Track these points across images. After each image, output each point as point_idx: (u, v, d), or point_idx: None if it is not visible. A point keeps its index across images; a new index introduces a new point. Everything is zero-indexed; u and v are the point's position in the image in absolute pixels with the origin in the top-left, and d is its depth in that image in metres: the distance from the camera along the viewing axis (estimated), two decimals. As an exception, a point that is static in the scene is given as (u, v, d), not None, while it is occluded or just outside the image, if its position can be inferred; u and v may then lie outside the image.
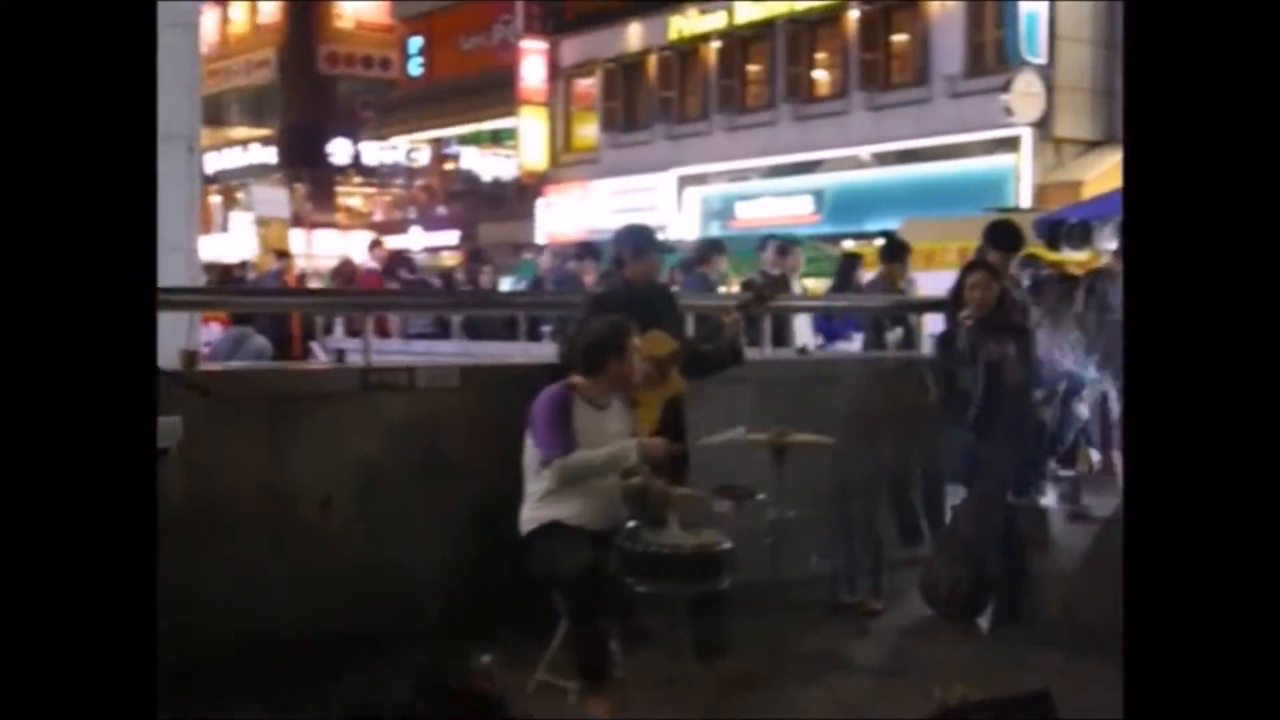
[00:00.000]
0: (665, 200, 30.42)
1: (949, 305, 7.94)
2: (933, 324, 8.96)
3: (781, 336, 9.66)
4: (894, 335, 9.38)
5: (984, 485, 6.71)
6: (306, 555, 6.16)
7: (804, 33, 27.95)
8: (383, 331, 13.83)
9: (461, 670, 5.16)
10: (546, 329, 11.95)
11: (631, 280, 6.69)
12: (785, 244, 11.73)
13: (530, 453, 5.73)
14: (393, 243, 37.41)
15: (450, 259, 30.66)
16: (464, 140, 40.56)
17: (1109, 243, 12.41)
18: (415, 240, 37.34)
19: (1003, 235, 8.32)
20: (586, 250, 13.12)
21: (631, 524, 5.40)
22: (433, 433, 6.68)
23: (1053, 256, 12.83)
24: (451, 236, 38.30)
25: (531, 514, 5.72)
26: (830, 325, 10.96)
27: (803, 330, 10.56)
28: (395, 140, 41.99)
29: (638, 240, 6.83)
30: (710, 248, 10.72)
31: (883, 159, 25.61)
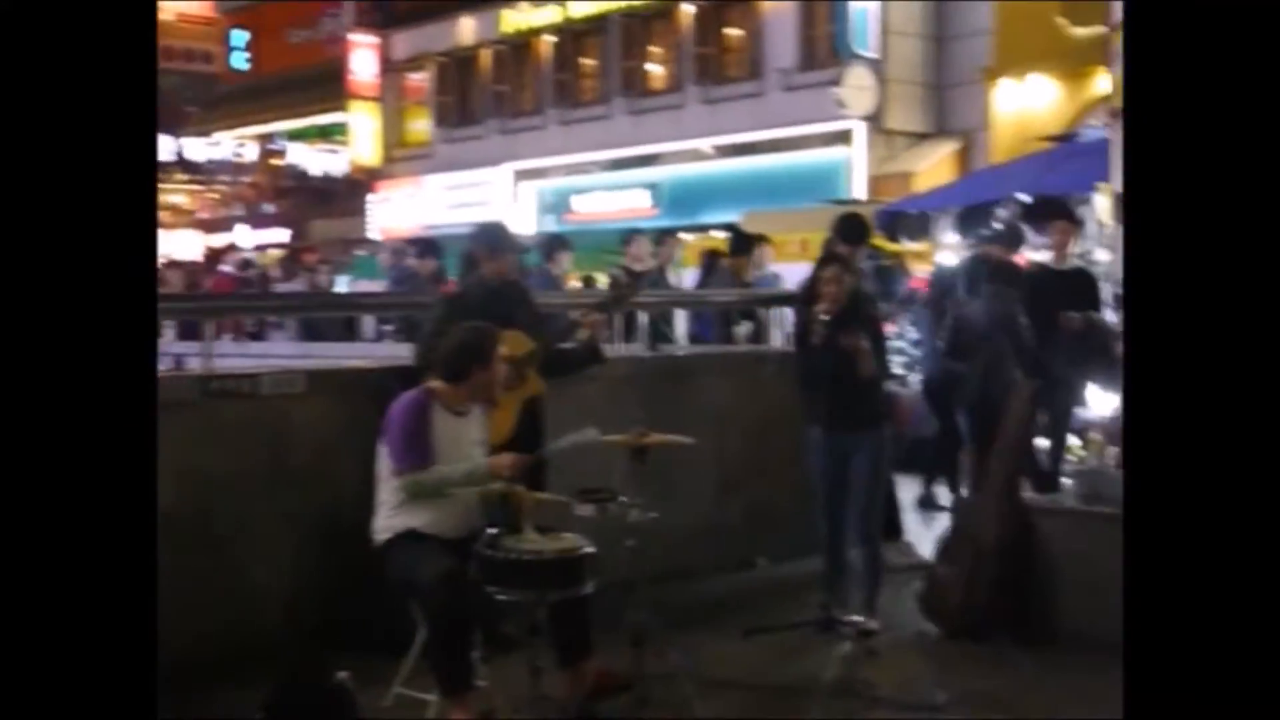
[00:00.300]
0: (500, 195, 30.18)
1: (803, 300, 7.92)
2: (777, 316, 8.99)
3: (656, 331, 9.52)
4: (743, 329, 9.36)
5: (855, 479, 6.67)
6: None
7: (638, 27, 27.94)
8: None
9: (317, 686, 4.96)
10: (388, 329, 11.70)
11: (488, 279, 6.52)
12: (661, 234, 11.58)
13: (384, 461, 5.53)
14: (219, 240, 36.86)
15: (279, 257, 29.97)
16: (292, 136, 39.73)
17: (945, 234, 12.58)
18: (243, 238, 36.47)
19: (851, 228, 8.33)
20: (427, 247, 12.85)
21: (492, 530, 5.23)
22: (278, 441, 6.44)
23: (892, 247, 12.98)
24: (281, 234, 37.48)
25: (386, 523, 5.52)
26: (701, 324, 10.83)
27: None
28: (220, 136, 40.91)
29: (493, 238, 6.67)
30: (554, 243, 10.55)
31: (719, 152, 25.71)
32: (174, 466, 6.08)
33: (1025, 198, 11.65)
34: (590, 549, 5.21)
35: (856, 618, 6.78)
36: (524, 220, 28.70)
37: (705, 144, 25.77)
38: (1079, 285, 9.11)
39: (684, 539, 7.14)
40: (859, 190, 22.71)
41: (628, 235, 10.96)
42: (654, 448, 5.54)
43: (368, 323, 12.58)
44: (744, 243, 10.41)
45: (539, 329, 6.52)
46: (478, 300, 6.28)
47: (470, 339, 5.57)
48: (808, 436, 6.84)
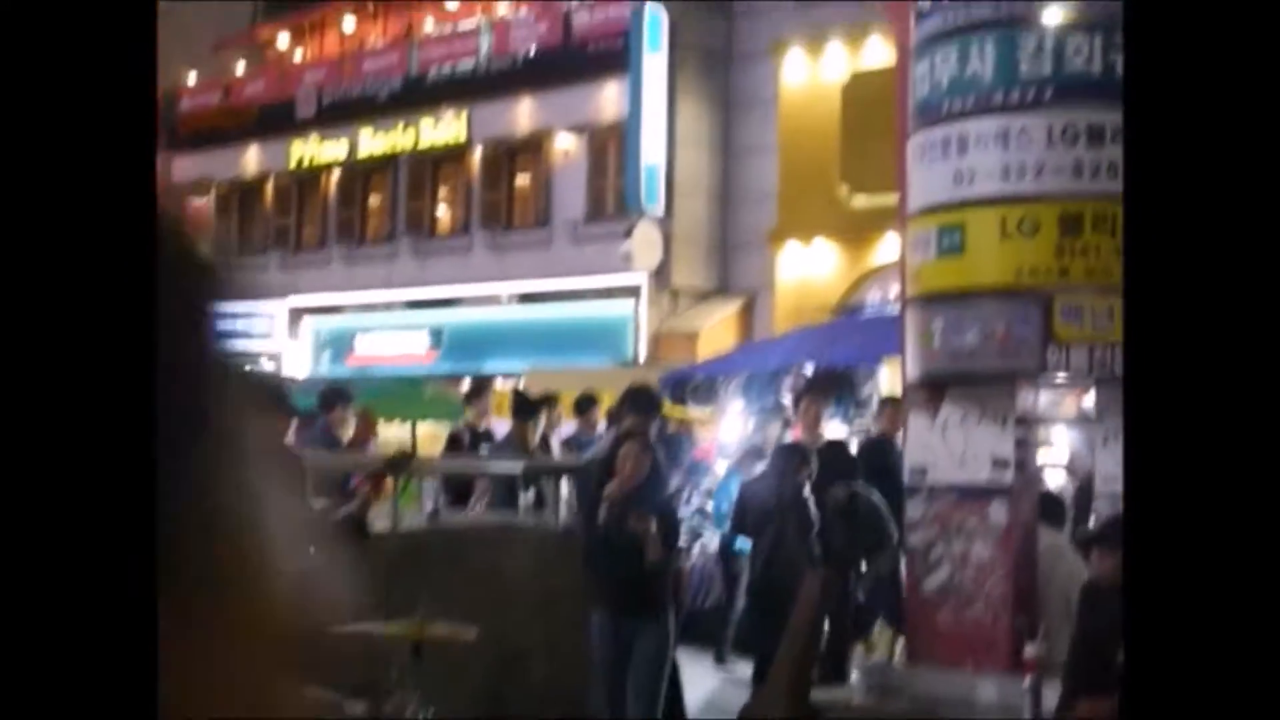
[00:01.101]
0: (279, 329, 29.45)
1: (593, 474, 7.73)
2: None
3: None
4: (526, 497, 9.10)
5: (635, 673, 6.43)
6: None
7: (427, 168, 27.80)
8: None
9: None
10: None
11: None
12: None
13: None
14: None
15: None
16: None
17: (734, 399, 12.60)
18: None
19: (642, 400, 8.21)
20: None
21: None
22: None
23: (678, 413, 12.93)
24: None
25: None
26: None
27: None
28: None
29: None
30: (335, 395, 10.10)
31: (510, 299, 25.55)
32: None
33: (808, 369, 11.75)
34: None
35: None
36: (301, 358, 28.06)
37: (494, 290, 25.59)
38: (834, 457, 9.05)
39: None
40: (642, 347, 22.78)
41: (477, 385, 10.46)
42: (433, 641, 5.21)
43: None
44: (528, 407, 10.17)
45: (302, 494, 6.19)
46: None
47: None
48: (590, 620, 6.61)
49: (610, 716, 6.61)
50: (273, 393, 6.40)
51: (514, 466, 9.22)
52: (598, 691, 6.63)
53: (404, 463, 6.69)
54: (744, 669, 10.32)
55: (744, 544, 10.18)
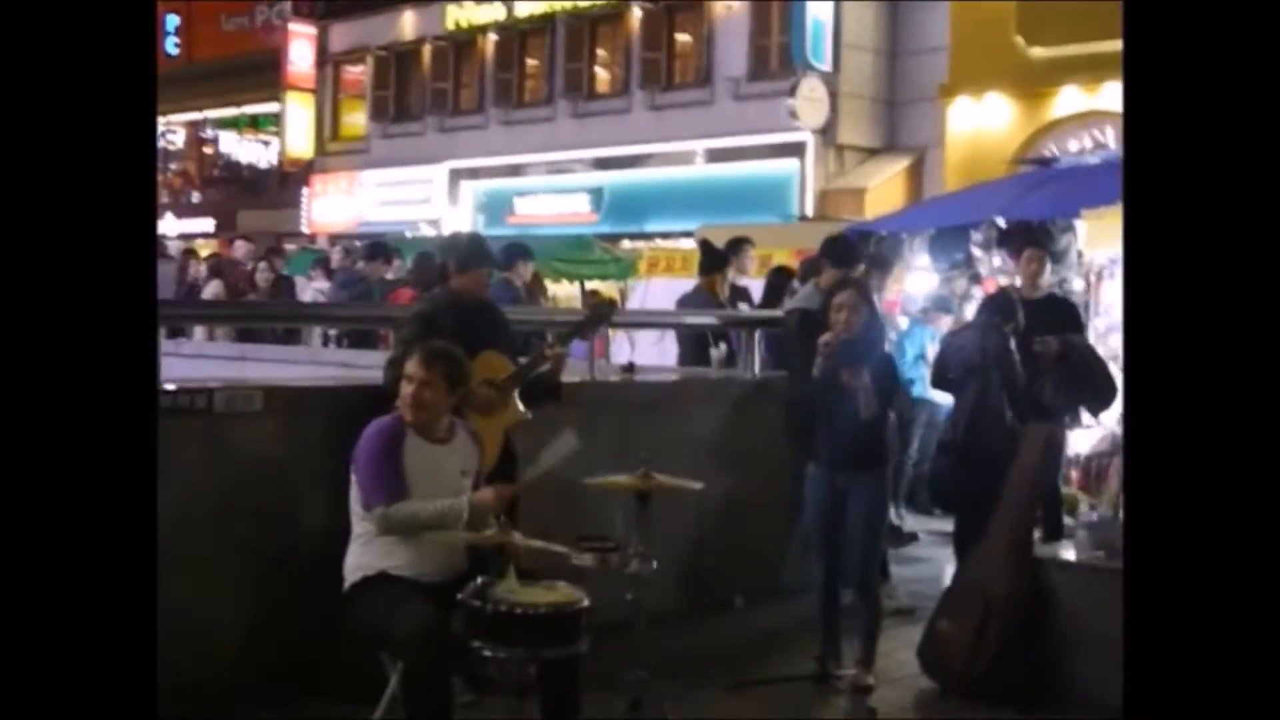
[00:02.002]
0: (437, 194, 29.48)
1: (792, 327, 7.47)
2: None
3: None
4: (718, 352, 8.88)
5: (853, 527, 6.21)
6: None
7: (584, 29, 27.36)
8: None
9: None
10: (332, 333, 11.09)
11: (460, 295, 5.98)
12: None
13: (355, 493, 4.99)
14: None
15: (205, 247, 28.94)
16: (222, 124, 38.77)
17: (918, 254, 12.17)
18: (169, 227, 35.45)
19: (842, 251, 7.90)
20: (378, 250, 12.26)
21: (480, 579, 4.69)
22: (232, 465, 5.86)
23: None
24: (206, 224, 36.52)
25: (356, 561, 4.99)
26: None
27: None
28: (149, 122, 39.82)
29: (466, 250, 6.11)
30: (515, 252, 9.95)
31: (665, 159, 25.16)
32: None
33: (1001, 222, 11.27)
34: (586, 602, 4.70)
35: (851, 672, 6.33)
36: (462, 221, 28.07)
37: (653, 150, 25.18)
38: (1054, 311, 8.62)
39: (661, 581, 6.63)
40: (808, 205, 22.32)
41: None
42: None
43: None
44: (717, 258, 9.86)
45: (515, 350, 6.01)
46: (450, 321, 5.74)
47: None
48: (805, 474, 6.38)
49: (822, 576, 6.40)
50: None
51: (708, 319, 9.00)
52: (794, 547, 6.42)
53: (608, 313, 6.44)
54: (910, 522, 10.11)
55: (927, 395, 9.89)
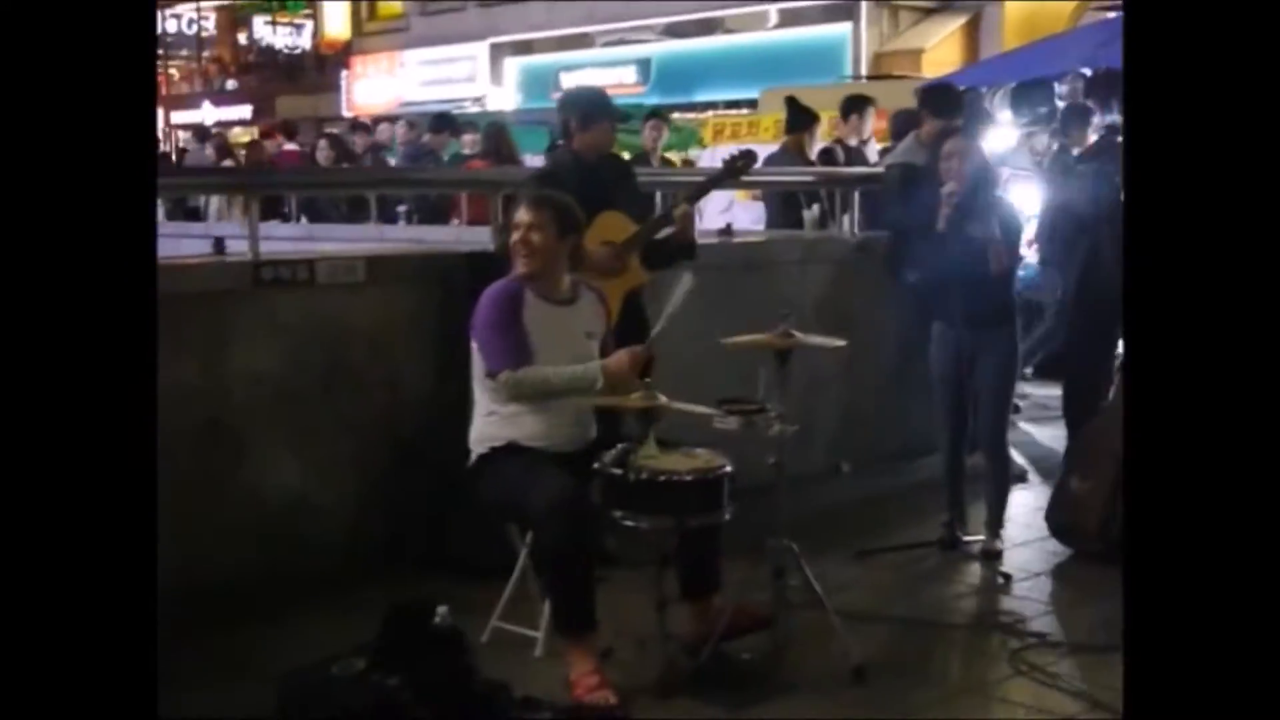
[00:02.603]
0: (480, 71, 28.97)
1: (905, 180, 7.16)
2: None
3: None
4: (811, 214, 8.55)
5: (983, 383, 5.94)
6: (190, 490, 5.08)
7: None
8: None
9: (424, 625, 4.21)
10: (401, 209, 10.80)
11: (581, 153, 5.68)
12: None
13: (476, 361, 4.74)
14: (181, 117, 35.45)
15: (243, 134, 28.54)
16: (256, 8, 38.16)
17: (1000, 108, 11.71)
18: (206, 115, 35.08)
19: (943, 100, 7.53)
20: (443, 122, 11.91)
21: (621, 446, 4.45)
22: (337, 336, 5.64)
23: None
24: (244, 110, 36.10)
25: (482, 433, 4.75)
26: None
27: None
28: (181, 8, 39.27)
29: (588, 105, 5.79)
30: (648, 115, 9.56)
31: (708, 26, 24.52)
32: (220, 365, 5.32)
33: (1087, 71, 10.81)
34: (729, 468, 4.46)
35: (979, 537, 6.10)
36: (507, 98, 27.60)
37: (700, 17, 24.53)
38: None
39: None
40: (863, 70, 21.75)
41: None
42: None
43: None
44: (804, 117, 9.48)
45: (642, 211, 5.72)
46: (572, 177, 5.45)
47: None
48: (931, 333, 6.11)
49: (949, 439, 6.13)
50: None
51: (804, 177, 8.66)
52: (935, 403, 6.14)
53: (745, 166, 6.03)
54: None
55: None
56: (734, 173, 5.93)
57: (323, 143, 12.95)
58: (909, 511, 6.60)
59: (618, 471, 4.35)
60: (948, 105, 7.41)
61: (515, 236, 4.71)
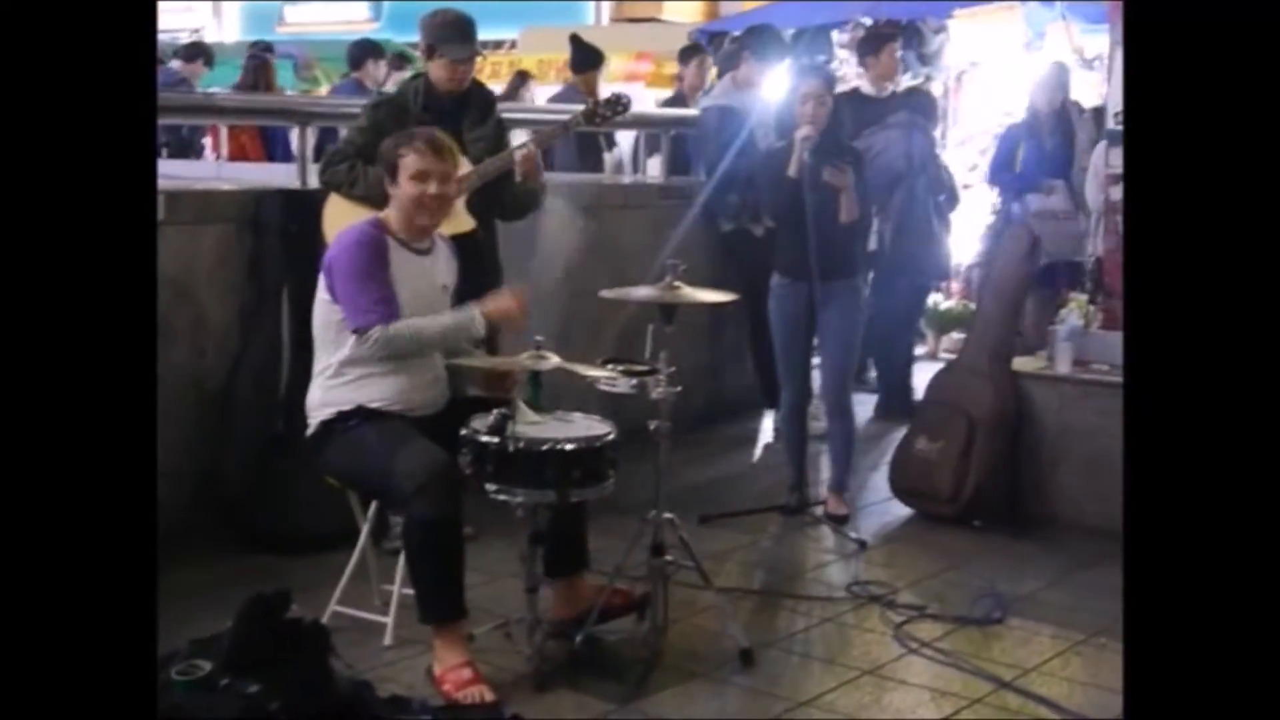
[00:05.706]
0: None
1: (711, 124, 6.90)
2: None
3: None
4: (611, 156, 8.15)
5: (828, 337, 5.68)
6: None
7: None
8: None
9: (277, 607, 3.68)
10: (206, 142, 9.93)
11: (436, 84, 5.12)
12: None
13: (325, 315, 4.18)
14: None
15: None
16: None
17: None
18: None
19: (765, 42, 7.24)
20: (197, 50, 10.92)
21: (498, 411, 3.96)
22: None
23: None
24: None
25: (327, 396, 4.19)
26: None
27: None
28: None
29: (432, 33, 5.20)
30: (365, 49, 8.93)
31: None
32: None
33: (867, 20, 10.69)
34: (613, 435, 4.05)
35: (824, 500, 5.85)
36: (228, 30, 26.20)
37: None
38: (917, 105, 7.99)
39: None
40: (604, 14, 21.32)
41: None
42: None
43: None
44: (591, 55, 9.00)
45: (500, 145, 5.19)
46: (404, 111, 4.91)
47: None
48: (770, 286, 5.78)
49: (791, 398, 5.83)
50: None
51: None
52: (777, 359, 5.83)
53: (625, 108, 5.51)
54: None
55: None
56: (600, 118, 5.46)
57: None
58: (739, 475, 6.31)
59: (493, 440, 3.88)
60: (769, 48, 7.11)
61: (418, 189, 4.12)
